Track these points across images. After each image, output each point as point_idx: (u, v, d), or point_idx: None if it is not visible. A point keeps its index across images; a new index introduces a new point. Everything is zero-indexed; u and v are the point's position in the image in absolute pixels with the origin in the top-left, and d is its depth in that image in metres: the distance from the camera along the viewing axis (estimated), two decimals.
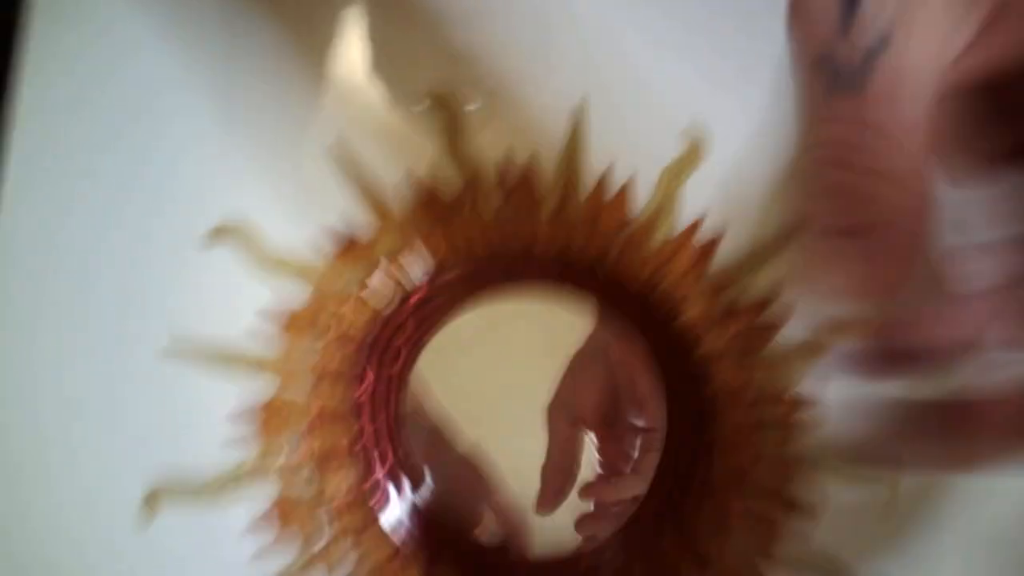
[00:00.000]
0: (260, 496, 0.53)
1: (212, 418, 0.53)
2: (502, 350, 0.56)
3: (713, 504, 0.53)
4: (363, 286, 0.54)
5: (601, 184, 0.57)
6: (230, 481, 0.52)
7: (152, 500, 0.52)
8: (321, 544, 0.52)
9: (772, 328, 0.56)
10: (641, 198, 0.57)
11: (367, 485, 0.52)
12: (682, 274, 0.55)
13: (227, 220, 0.55)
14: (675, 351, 0.54)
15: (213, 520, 0.53)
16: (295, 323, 0.54)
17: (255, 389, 0.53)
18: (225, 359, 0.53)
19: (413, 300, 0.54)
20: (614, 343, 0.55)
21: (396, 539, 0.52)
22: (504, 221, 0.55)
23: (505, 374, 0.55)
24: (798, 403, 0.55)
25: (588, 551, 0.52)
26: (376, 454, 0.53)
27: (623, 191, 0.57)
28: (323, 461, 0.52)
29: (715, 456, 0.53)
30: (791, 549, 0.53)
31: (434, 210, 0.55)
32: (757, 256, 0.56)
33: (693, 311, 0.55)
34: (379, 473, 0.52)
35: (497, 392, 0.55)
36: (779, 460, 0.54)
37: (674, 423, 0.54)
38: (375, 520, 0.52)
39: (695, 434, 0.53)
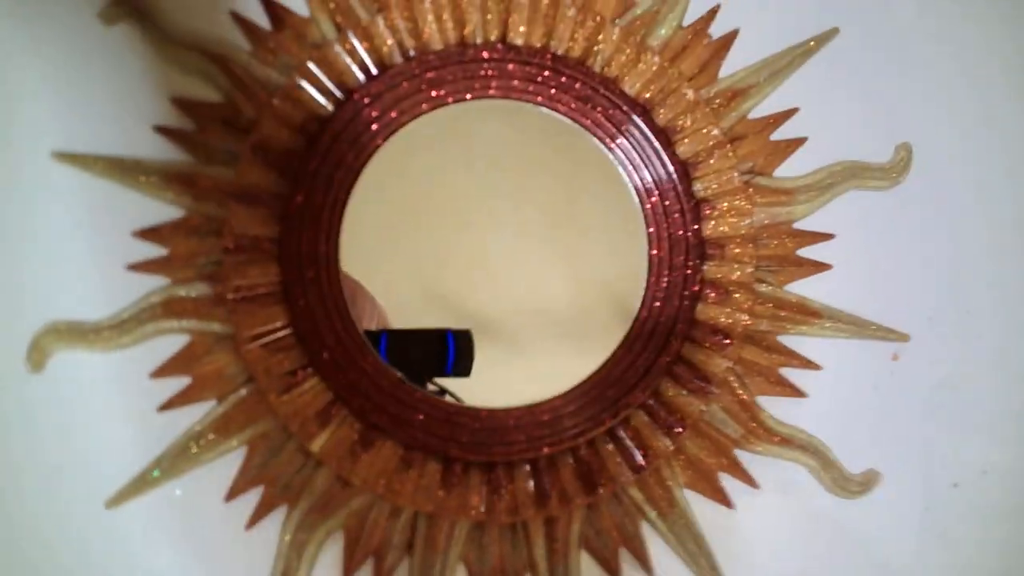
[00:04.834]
0: (170, 336, 0.45)
1: (115, 237, 0.45)
2: (469, 164, 0.48)
3: (697, 358, 0.47)
4: (296, 77, 0.45)
5: None
6: (134, 319, 0.44)
7: (40, 347, 0.44)
8: (242, 394, 0.45)
9: (784, 150, 0.49)
10: None
11: (297, 325, 0.45)
12: (690, 77, 0.48)
13: None
14: (673, 179, 0.47)
15: (117, 363, 0.45)
16: (211, 121, 0.45)
17: (163, 204, 0.45)
18: (127, 167, 0.45)
19: (358, 96, 0.46)
20: None
21: (332, 388, 0.45)
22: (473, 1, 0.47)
23: (471, 194, 0.48)
24: (804, 238, 0.49)
25: (547, 404, 0.46)
26: (308, 287, 0.45)
27: None
28: (244, 295, 0.45)
29: (703, 303, 0.47)
30: (773, 423, 0.48)
31: None
32: (776, 62, 0.49)
33: (700, 128, 0.47)
34: (312, 312, 0.45)
35: (461, 217, 0.48)
36: (779, 307, 0.48)
37: (657, 268, 0.47)
38: (306, 367, 0.45)
39: (683, 279, 0.47)
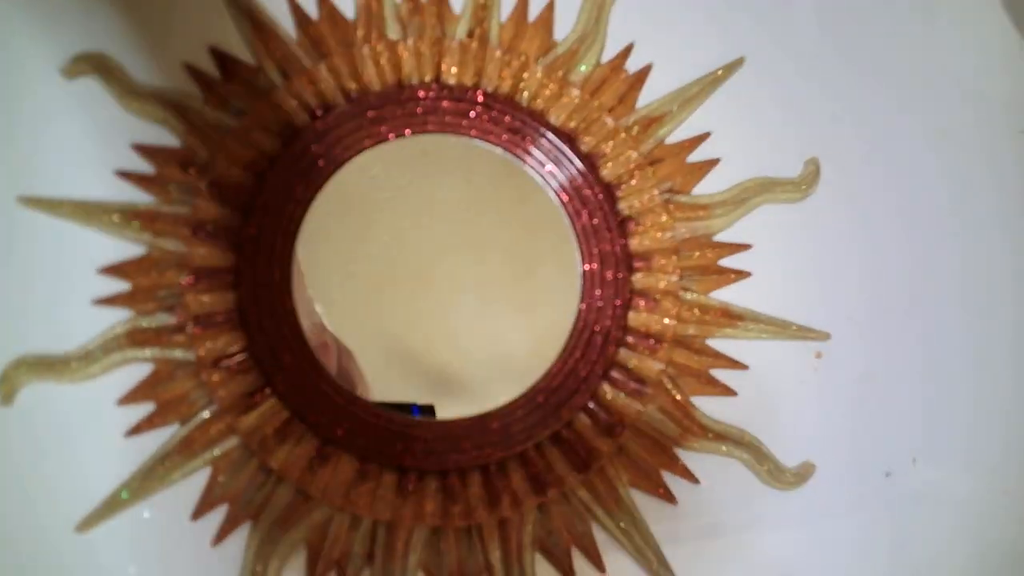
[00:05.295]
0: (135, 364, 0.48)
1: (80, 275, 0.49)
2: (409, 194, 0.52)
3: (632, 363, 0.51)
4: (247, 120, 0.50)
5: (522, 5, 0.54)
6: (100, 350, 0.48)
7: (10, 380, 0.47)
8: (204, 416, 0.48)
9: (699, 171, 0.54)
10: (566, 24, 0.55)
11: (253, 349, 0.48)
12: (610, 108, 0.53)
13: (86, 51, 0.50)
14: (599, 200, 0.52)
15: (85, 392, 0.48)
16: (168, 163, 0.49)
17: (125, 242, 0.49)
18: (91, 209, 0.48)
19: (305, 135, 0.50)
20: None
21: (289, 407, 0.48)
22: (409, 45, 0.52)
23: (413, 220, 0.52)
24: (724, 249, 0.54)
25: (496, 412, 0.49)
26: (263, 313, 0.49)
27: (547, 13, 0.54)
28: (204, 323, 0.48)
29: (634, 311, 0.52)
30: (708, 421, 0.52)
31: (329, 32, 0.51)
32: (688, 91, 0.54)
33: (620, 153, 0.52)
34: (267, 335, 0.49)
35: (405, 239, 0.52)
36: (704, 312, 0.52)
37: (590, 281, 0.51)
38: (263, 388, 0.48)
39: (614, 290, 0.51)
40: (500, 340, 0.54)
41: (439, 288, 0.54)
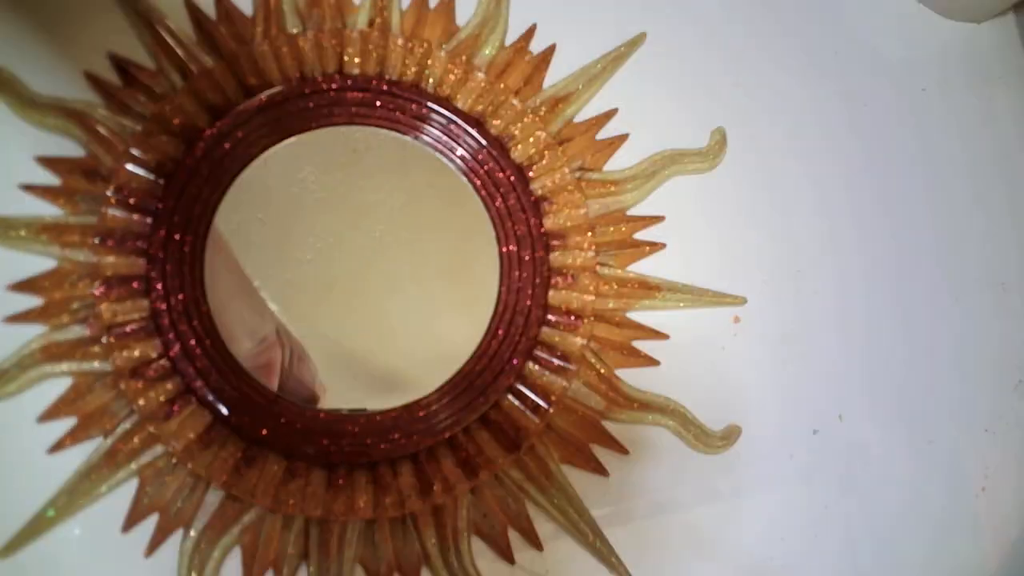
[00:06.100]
0: (53, 380, 0.48)
1: None
2: (318, 190, 0.52)
3: (554, 340, 0.52)
4: (149, 124, 0.50)
5: None
6: (15, 368, 0.47)
7: None
8: (126, 426, 0.48)
9: (609, 147, 0.55)
10: (468, 8, 0.56)
11: (170, 355, 0.48)
12: (516, 90, 0.53)
13: None
14: (511, 181, 0.52)
15: (3, 412, 0.48)
16: (73, 174, 0.49)
17: (34, 256, 0.49)
18: None
19: (208, 135, 0.50)
20: None
21: (211, 411, 0.48)
22: (309, 37, 0.52)
23: (325, 217, 0.52)
24: (638, 223, 0.55)
25: (423, 400, 0.50)
26: (177, 318, 0.48)
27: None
28: (118, 333, 0.48)
29: (553, 289, 0.52)
30: (632, 391, 0.53)
31: (227, 30, 0.51)
32: (592, 69, 0.55)
33: (529, 134, 0.53)
34: (182, 340, 0.49)
35: (336, 242, 0.52)
36: (622, 285, 0.53)
37: (508, 263, 0.52)
38: (184, 394, 0.48)
39: (532, 270, 0.52)
40: (435, 333, 0.54)
41: (374, 288, 0.54)
